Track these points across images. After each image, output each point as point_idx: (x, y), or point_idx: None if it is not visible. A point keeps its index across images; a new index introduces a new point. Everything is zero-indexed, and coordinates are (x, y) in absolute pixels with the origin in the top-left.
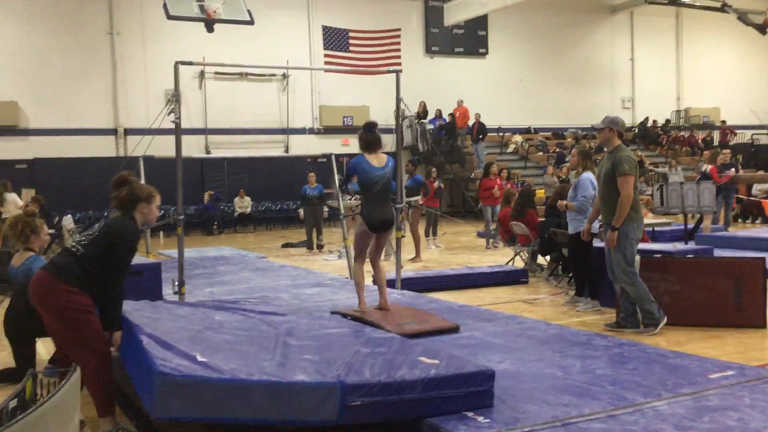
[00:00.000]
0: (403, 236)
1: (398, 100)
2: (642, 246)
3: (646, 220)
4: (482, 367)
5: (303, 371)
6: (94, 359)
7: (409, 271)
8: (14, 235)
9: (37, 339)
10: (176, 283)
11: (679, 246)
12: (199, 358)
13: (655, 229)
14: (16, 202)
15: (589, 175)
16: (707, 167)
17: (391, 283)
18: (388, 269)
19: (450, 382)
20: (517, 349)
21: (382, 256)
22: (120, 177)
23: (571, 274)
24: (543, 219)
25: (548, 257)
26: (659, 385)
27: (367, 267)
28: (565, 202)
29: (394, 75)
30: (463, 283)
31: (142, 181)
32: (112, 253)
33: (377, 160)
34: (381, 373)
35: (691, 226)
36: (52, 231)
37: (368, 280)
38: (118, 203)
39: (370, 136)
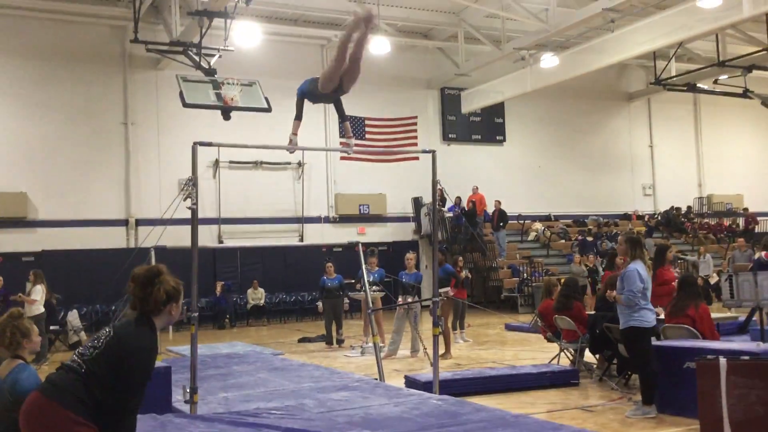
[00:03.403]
0: (441, 332)
1: (434, 182)
2: (720, 345)
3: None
4: None
5: None
6: None
7: (443, 370)
8: (2, 345)
9: None
10: (188, 390)
11: (763, 345)
12: None
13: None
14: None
15: (636, 266)
16: (761, 254)
17: (428, 387)
18: (421, 369)
19: None
20: None
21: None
22: (153, 269)
23: (628, 375)
24: (592, 312)
25: (598, 355)
26: None
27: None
28: (614, 293)
29: (409, 163)
30: (508, 385)
31: None
32: (122, 371)
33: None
34: None
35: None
36: (56, 327)
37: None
38: (146, 305)
39: None
